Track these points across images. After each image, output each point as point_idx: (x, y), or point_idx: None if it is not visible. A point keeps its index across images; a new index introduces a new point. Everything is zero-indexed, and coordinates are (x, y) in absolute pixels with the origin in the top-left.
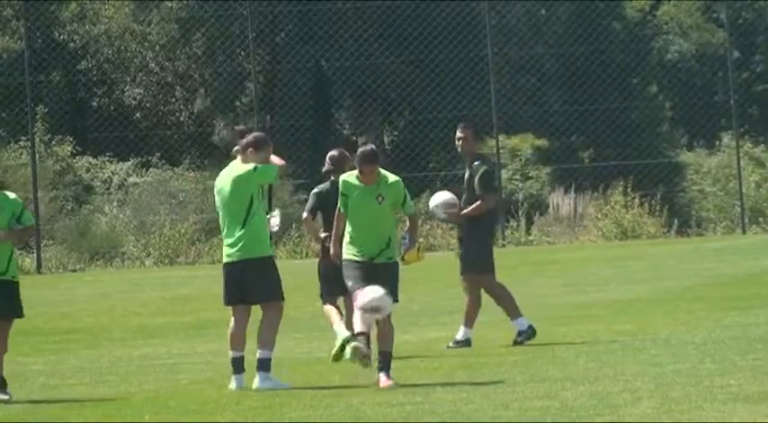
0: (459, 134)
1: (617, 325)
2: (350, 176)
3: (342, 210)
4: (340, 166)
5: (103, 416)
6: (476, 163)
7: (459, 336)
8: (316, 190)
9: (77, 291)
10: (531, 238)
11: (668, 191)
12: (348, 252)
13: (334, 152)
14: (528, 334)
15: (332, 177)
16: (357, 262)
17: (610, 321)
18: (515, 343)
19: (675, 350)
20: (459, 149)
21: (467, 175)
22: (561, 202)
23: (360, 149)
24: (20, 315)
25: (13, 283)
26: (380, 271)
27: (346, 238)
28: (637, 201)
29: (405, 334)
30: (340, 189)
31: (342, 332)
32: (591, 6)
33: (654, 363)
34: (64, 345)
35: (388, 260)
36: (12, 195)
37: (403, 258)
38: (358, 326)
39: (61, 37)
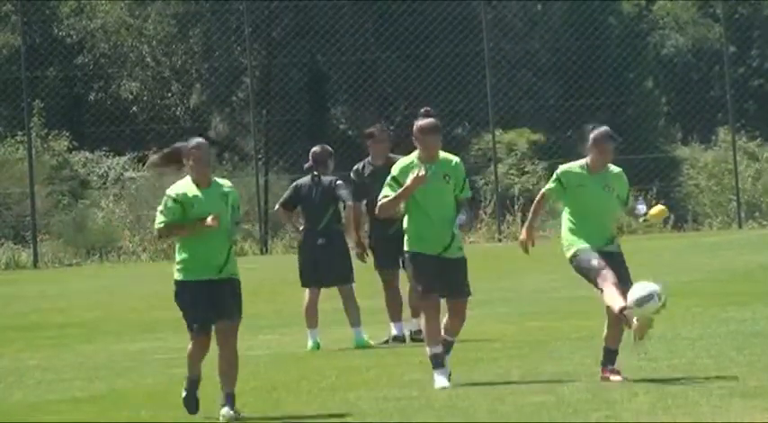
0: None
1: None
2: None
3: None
4: (322, 161)
5: (100, 411)
6: None
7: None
8: (295, 183)
9: (73, 285)
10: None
11: (664, 186)
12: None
13: (316, 148)
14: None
15: (314, 173)
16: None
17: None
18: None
19: (671, 345)
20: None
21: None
22: None
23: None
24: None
25: (234, 281)
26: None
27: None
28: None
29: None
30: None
31: (310, 339)
32: (587, 1)
33: (650, 358)
34: (60, 340)
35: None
36: (228, 184)
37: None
38: (619, 301)
39: (58, 32)
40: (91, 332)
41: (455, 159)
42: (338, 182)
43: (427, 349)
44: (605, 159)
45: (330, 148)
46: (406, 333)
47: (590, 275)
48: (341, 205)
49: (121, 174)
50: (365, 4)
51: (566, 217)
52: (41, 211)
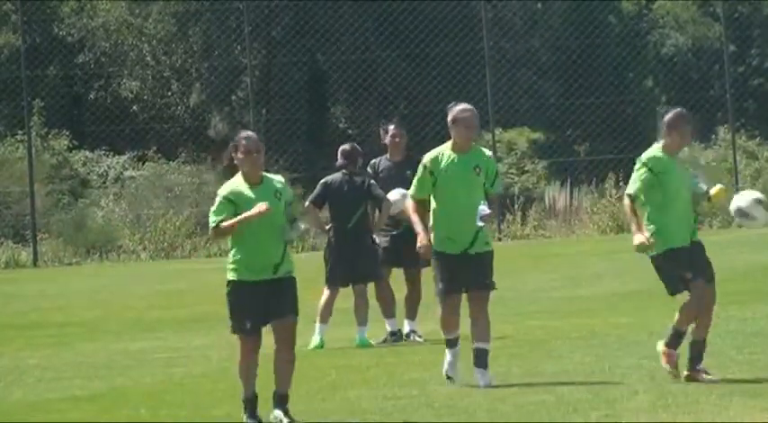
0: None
1: (613, 319)
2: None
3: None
4: (353, 159)
5: (99, 410)
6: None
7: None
8: (324, 180)
9: (73, 284)
10: (526, 231)
11: None
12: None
13: (346, 146)
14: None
15: (344, 171)
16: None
17: (606, 315)
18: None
19: None
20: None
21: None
22: (557, 195)
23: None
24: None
25: (290, 279)
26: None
27: None
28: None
29: (399, 327)
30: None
31: (318, 334)
32: (587, 0)
33: (650, 356)
34: (59, 338)
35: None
36: (282, 178)
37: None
38: None
39: (58, 31)
40: (91, 331)
41: (488, 152)
42: (372, 182)
43: (444, 336)
44: (685, 142)
45: (359, 147)
46: (406, 330)
47: (673, 282)
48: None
49: (121, 173)
50: (365, 4)
51: (650, 208)
52: (41, 210)
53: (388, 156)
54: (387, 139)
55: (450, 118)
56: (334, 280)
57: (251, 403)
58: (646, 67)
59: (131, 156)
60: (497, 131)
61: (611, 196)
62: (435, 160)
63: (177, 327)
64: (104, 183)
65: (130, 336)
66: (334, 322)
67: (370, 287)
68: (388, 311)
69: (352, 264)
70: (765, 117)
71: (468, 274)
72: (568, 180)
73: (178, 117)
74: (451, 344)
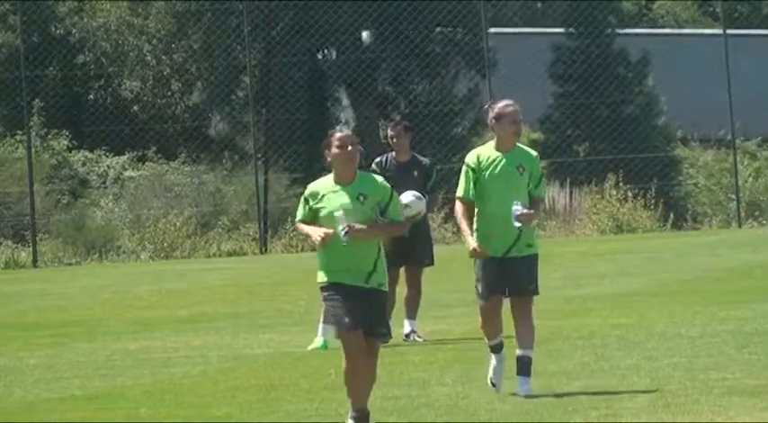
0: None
1: (613, 319)
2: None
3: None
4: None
5: (99, 410)
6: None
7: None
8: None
9: (73, 284)
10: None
11: (664, 185)
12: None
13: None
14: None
15: None
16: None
17: (605, 315)
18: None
19: (671, 344)
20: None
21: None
22: (557, 195)
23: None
24: (389, 335)
25: (380, 293)
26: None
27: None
28: (630, 194)
29: (400, 327)
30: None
31: (321, 335)
32: (587, 0)
33: (650, 356)
34: (59, 338)
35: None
36: (379, 179)
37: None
38: None
39: (57, 31)
40: (90, 331)
41: (533, 153)
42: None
43: (486, 341)
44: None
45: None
46: (406, 330)
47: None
48: None
49: (121, 173)
50: (365, 3)
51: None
52: (41, 211)
53: (394, 154)
54: (393, 139)
55: (492, 115)
56: None
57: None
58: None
59: (131, 156)
60: None
61: (610, 196)
62: (477, 159)
63: (177, 327)
64: (104, 183)
65: (130, 335)
66: None
67: None
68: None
69: None
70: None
71: (509, 277)
72: (568, 180)
73: (178, 117)
74: (495, 349)
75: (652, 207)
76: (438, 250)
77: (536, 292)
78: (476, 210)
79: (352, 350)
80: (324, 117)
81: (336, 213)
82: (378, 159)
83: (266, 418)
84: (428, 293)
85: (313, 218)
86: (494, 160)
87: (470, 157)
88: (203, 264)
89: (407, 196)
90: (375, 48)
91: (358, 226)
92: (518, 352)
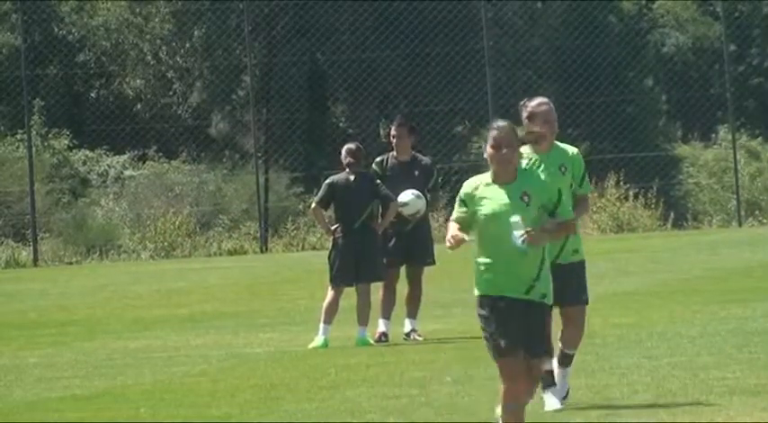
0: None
1: (613, 318)
2: None
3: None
4: (357, 158)
5: (99, 409)
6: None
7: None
8: (329, 180)
9: (73, 283)
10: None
11: (664, 184)
12: None
13: (350, 145)
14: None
15: (349, 170)
16: None
17: (606, 314)
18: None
19: (672, 343)
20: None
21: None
22: None
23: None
24: (549, 354)
25: (542, 306)
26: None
27: None
28: (630, 193)
29: (400, 326)
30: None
31: (322, 334)
32: None
33: (650, 355)
34: (59, 337)
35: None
36: (543, 176)
37: None
38: None
39: (59, 31)
40: (90, 330)
41: (573, 150)
42: (378, 182)
43: None
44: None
45: (362, 146)
46: (407, 329)
47: None
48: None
49: (121, 172)
50: (365, 3)
51: None
52: (41, 210)
53: (395, 154)
54: (394, 139)
55: (525, 115)
56: (338, 280)
57: None
58: (646, 66)
59: (132, 155)
60: None
61: (611, 196)
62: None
63: (177, 326)
64: (104, 182)
65: (130, 335)
66: (334, 321)
67: (373, 287)
68: (386, 312)
69: (357, 264)
70: (766, 116)
71: (557, 287)
72: None
73: (178, 116)
74: (545, 381)
75: (652, 206)
76: (439, 249)
77: (586, 300)
78: None
79: (510, 375)
80: (324, 117)
81: (512, 218)
82: (378, 159)
83: (266, 417)
84: (429, 293)
85: (470, 221)
86: (533, 162)
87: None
88: (204, 263)
89: (406, 195)
90: (375, 47)
91: (538, 231)
92: (561, 349)
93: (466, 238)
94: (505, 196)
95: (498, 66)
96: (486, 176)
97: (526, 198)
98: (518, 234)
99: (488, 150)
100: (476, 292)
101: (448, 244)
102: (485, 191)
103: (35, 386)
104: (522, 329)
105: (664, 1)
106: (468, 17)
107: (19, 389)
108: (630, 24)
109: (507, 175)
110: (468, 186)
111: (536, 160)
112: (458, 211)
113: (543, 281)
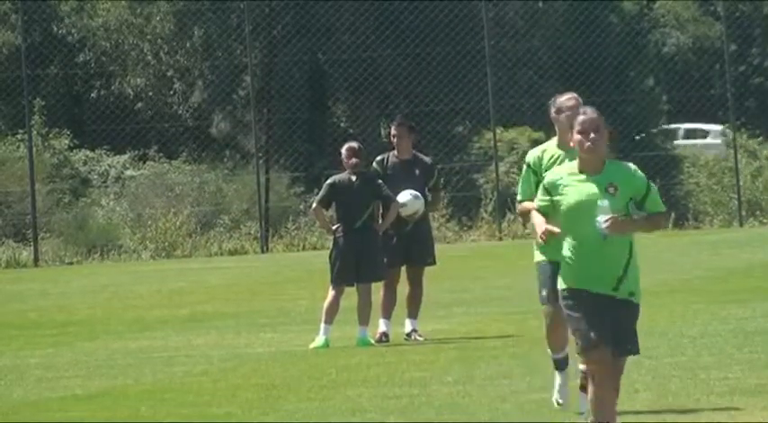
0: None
1: None
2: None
3: None
4: (358, 158)
5: (100, 409)
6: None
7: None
8: (330, 181)
9: (74, 283)
10: (527, 231)
11: (664, 184)
12: None
13: (351, 144)
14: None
15: (350, 170)
16: None
17: None
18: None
19: (672, 343)
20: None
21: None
22: None
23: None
24: (637, 351)
25: (631, 304)
26: None
27: None
28: None
29: (401, 326)
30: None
31: (323, 334)
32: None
33: (651, 355)
34: (60, 337)
35: None
36: (632, 168)
37: None
38: None
39: (59, 30)
40: (91, 330)
41: None
42: (380, 181)
43: (549, 353)
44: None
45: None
46: (407, 329)
47: None
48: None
49: (122, 172)
50: (366, 3)
51: None
52: (42, 210)
53: (396, 153)
54: (395, 138)
55: (553, 110)
56: (339, 280)
57: None
58: (647, 66)
59: (132, 155)
60: (498, 131)
61: None
62: (538, 159)
63: (178, 326)
64: (105, 182)
65: (131, 335)
66: (335, 321)
67: (374, 287)
68: (386, 312)
69: (357, 264)
70: (766, 116)
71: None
72: None
73: (179, 116)
74: (559, 365)
75: None
76: (439, 249)
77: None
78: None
79: (598, 369)
80: (325, 116)
81: (600, 202)
82: (379, 158)
83: (267, 417)
84: (429, 293)
85: (553, 210)
86: (557, 159)
87: (531, 157)
88: (204, 263)
89: (405, 195)
90: (376, 47)
91: (623, 220)
92: (582, 366)
93: (557, 230)
94: (591, 187)
95: (499, 66)
96: (573, 165)
97: (612, 189)
98: (602, 219)
99: (575, 137)
100: (560, 285)
101: (540, 240)
102: (569, 180)
103: (36, 386)
104: (611, 326)
105: (664, 1)
106: (469, 17)
107: (20, 389)
108: (631, 24)
109: (594, 165)
110: (552, 174)
111: (560, 156)
112: (541, 199)
113: (631, 278)
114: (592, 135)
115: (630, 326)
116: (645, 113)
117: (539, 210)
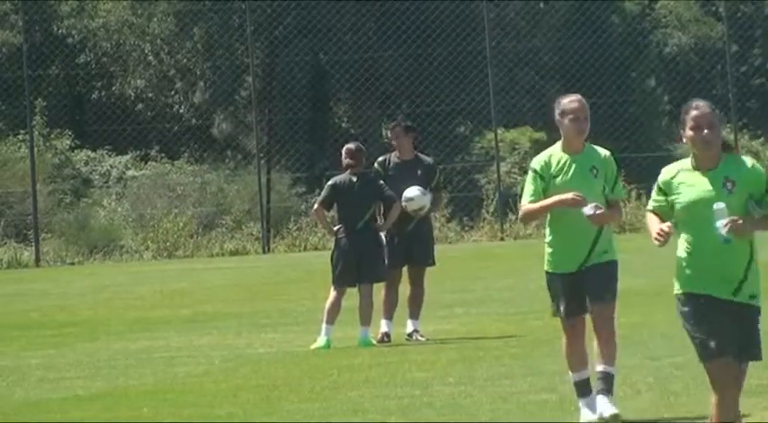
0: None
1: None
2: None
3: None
4: (358, 158)
5: (101, 409)
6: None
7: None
8: (332, 182)
9: (75, 284)
10: (528, 231)
11: None
12: None
13: (351, 145)
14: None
15: (350, 171)
16: None
17: None
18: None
19: (674, 343)
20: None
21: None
22: None
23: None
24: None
25: (752, 308)
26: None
27: None
28: (633, 193)
29: (402, 326)
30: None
31: (324, 335)
32: (589, 0)
33: (652, 356)
34: (62, 338)
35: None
36: (750, 162)
37: None
38: None
39: (59, 31)
40: (93, 331)
41: (606, 152)
42: (381, 182)
43: (570, 375)
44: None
45: (363, 146)
46: (409, 330)
47: None
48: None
49: (124, 172)
50: (367, 3)
51: None
52: (43, 210)
53: (397, 153)
54: (394, 139)
55: (557, 112)
56: (341, 280)
57: None
58: (648, 66)
59: (134, 155)
60: (499, 131)
61: None
62: (545, 164)
63: (179, 326)
64: (107, 182)
65: (132, 335)
66: (337, 321)
67: (376, 288)
68: (388, 313)
69: (359, 264)
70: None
71: (587, 288)
72: None
73: (181, 116)
74: (581, 391)
75: None
76: (441, 250)
77: (613, 299)
78: (548, 220)
79: (721, 379)
80: (326, 117)
81: (715, 206)
82: (380, 158)
83: (268, 417)
84: (431, 293)
85: (669, 210)
86: (563, 164)
87: (537, 162)
88: (206, 263)
89: (413, 190)
90: (378, 47)
91: (744, 221)
92: (599, 367)
93: (673, 230)
94: (707, 183)
95: (500, 66)
96: (687, 162)
97: (730, 185)
98: (721, 223)
99: (688, 133)
100: (676, 289)
101: (656, 242)
102: (684, 177)
103: (37, 386)
104: (731, 332)
105: (666, 1)
106: (471, 17)
107: (21, 389)
108: (633, 25)
109: (709, 160)
110: (666, 173)
111: (566, 161)
112: (655, 199)
113: (752, 280)
114: (705, 131)
115: (752, 331)
116: (646, 114)
117: (653, 210)
